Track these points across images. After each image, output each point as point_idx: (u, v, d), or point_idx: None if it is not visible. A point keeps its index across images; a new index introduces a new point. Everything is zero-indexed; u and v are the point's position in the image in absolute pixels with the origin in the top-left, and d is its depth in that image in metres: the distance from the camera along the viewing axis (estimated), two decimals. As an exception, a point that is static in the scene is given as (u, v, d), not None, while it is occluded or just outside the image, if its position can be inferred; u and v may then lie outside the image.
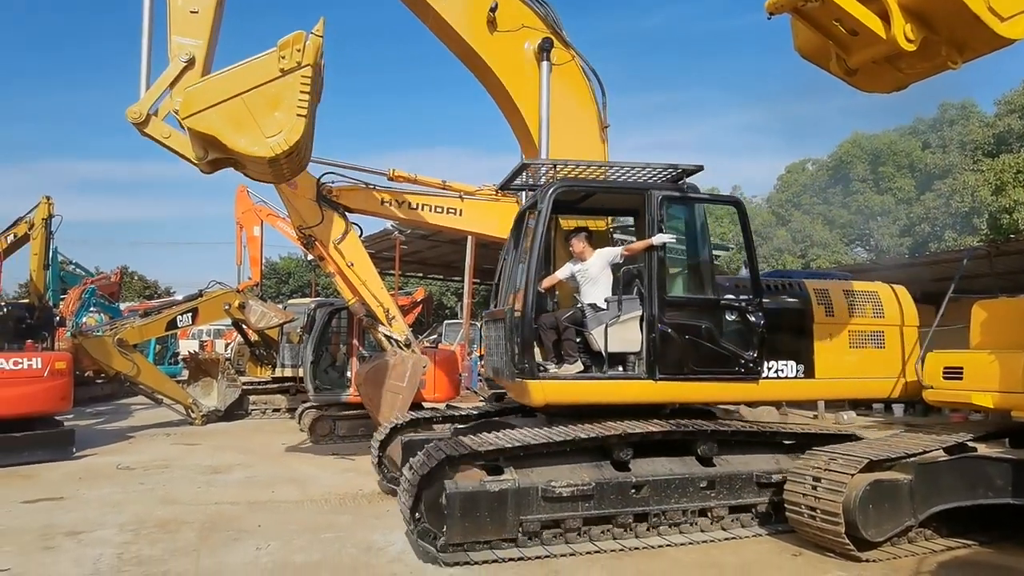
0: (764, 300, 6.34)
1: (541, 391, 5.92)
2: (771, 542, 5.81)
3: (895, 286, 7.40)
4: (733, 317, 6.26)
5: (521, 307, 5.97)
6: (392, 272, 19.53)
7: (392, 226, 18.41)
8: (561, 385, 6.00)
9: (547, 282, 6.46)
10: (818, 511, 5.22)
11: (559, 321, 6.25)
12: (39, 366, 10.39)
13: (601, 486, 5.49)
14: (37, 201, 14.78)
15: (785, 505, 5.57)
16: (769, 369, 6.36)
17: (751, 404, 7.40)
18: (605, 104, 8.34)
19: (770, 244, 25.17)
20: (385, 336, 10.40)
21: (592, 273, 6.39)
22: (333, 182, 10.56)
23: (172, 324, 14.17)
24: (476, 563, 5.08)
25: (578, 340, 6.21)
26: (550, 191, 6.16)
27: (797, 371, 6.52)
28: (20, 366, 10.23)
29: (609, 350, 6.08)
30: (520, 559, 5.20)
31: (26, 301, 15.37)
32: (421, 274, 29.89)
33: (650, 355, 6.01)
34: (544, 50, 7.92)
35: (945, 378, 6.10)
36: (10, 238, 14.66)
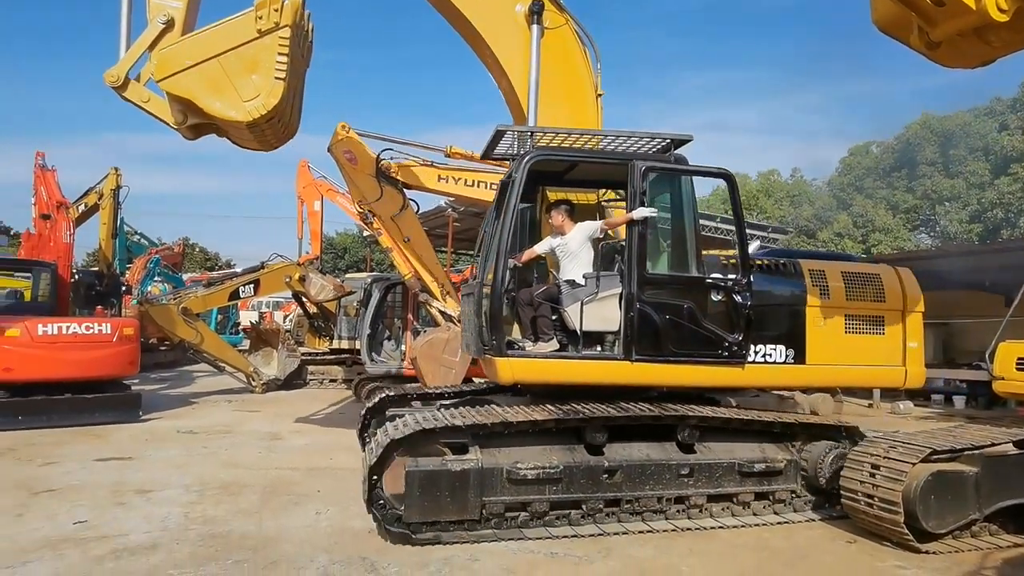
0: (754, 280, 6.01)
1: (509, 369, 5.66)
2: (823, 528, 5.71)
3: (900, 268, 6.95)
4: (718, 297, 5.93)
5: (492, 282, 5.73)
6: (445, 249, 19.66)
7: (445, 203, 18.52)
8: (530, 363, 5.70)
9: (525, 256, 6.25)
10: (876, 499, 5.09)
11: (534, 298, 6.02)
12: (109, 331, 10.88)
13: (570, 469, 5.28)
14: (106, 172, 15.42)
15: (841, 492, 5.45)
16: (756, 353, 6.03)
17: (735, 390, 6.96)
18: (599, 72, 8.00)
19: (830, 228, 24.38)
20: (439, 311, 10.54)
21: (571, 248, 6.11)
22: (392, 158, 10.71)
23: (235, 295, 14.63)
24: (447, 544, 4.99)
25: (554, 317, 5.95)
26: (525, 160, 5.84)
27: (787, 356, 6.18)
28: (91, 331, 10.73)
29: (584, 328, 5.77)
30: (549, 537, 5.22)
31: (95, 269, 16.10)
32: (473, 252, 30.02)
33: (627, 335, 5.71)
34: (534, 12, 7.53)
35: (1018, 369, 5.84)
36: (81, 208, 15.34)
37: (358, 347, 16.45)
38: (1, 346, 9.98)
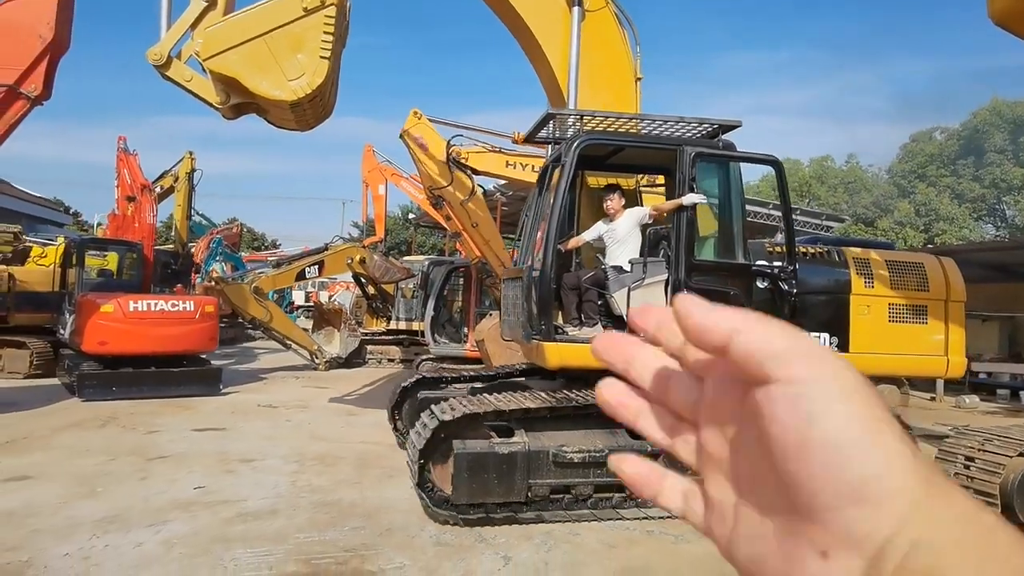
0: (799, 268, 5.99)
1: (557, 354, 5.70)
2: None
3: (943, 259, 6.91)
4: (764, 284, 5.93)
5: (540, 266, 5.72)
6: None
7: (495, 187, 18.70)
8: (577, 348, 5.73)
9: (573, 243, 6.26)
10: (972, 491, 5.14)
11: (581, 282, 6.01)
12: (192, 308, 11.43)
13: (614, 452, 5.40)
14: (181, 156, 16.01)
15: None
16: None
17: None
18: (639, 55, 7.91)
19: (891, 217, 23.85)
20: (507, 295, 10.74)
21: (619, 234, 6.11)
22: (462, 144, 10.92)
23: (301, 275, 15.08)
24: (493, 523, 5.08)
25: (599, 303, 5.98)
26: (575, 144, 5.80)
27: (831, 344, 6.14)
28: (177, 308, 11.28)
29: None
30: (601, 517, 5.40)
31: (170, 248, 16.77)
32: (514, 236, 30.13)
33: None
34: None
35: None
36: (157, 190, 15.97)
37: (415, 328, 16.92)
38: (97, 321, 10.58)
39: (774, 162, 6.17)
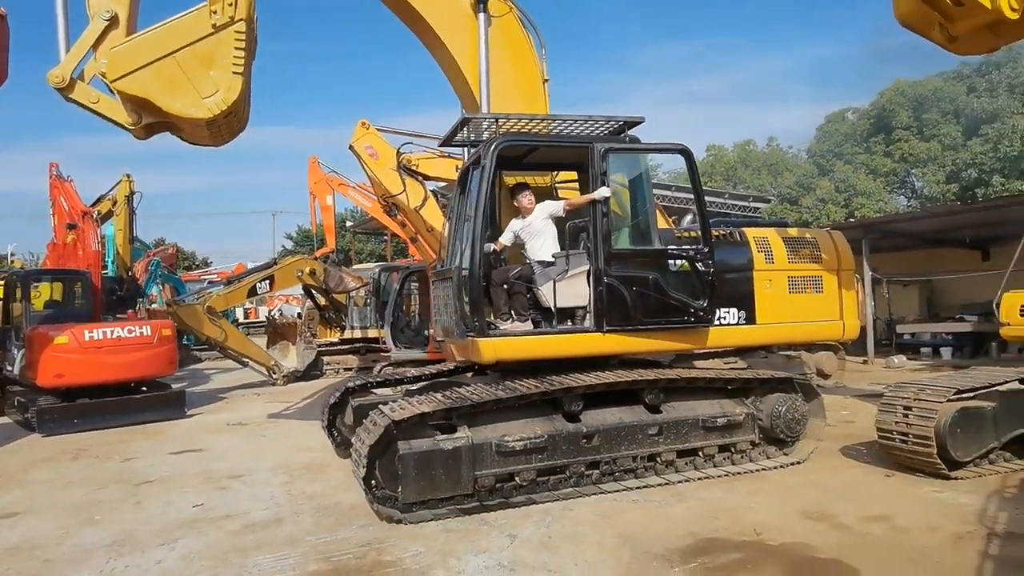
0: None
1: (492, 348, 5.87)
2: (861, 467, 6.45)
3: (832, 232, 7.56)
4: (677, 266, 6.26)
5: (469, 265, 5.92)
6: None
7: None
8: (512, 342, 5.97)
9: (499, 245, 6.52)
10: (910, 436, 5.82)
11: (508, 278, 6.23)
12: (149, 333, 11.30)
13: (553, 437, 5.62)
14: (119, 179, 15.64)
15: (877, 432, 6.18)
16: (713, 316, 6.41)
17: (698, 354, 7.25)
18: (545, 58, 8.12)
19: (812, 195, 25.26)
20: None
21: (536, 227, 6.41)
22: (411, 151, 11.16)
23: (253, 291, 15.04)
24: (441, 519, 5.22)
25: (528, 296, 6.22)
26: (493, 146, 6.03)
27: (739, 318, 6.65)
28: (134, 334, 11.14)
29: (558, 305, 6.11)
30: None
31: (113, 275, 16.32)
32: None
33: (598, 308, 6.04)
34: (480, 1, 7.60)
35: (1022, 315, 6.58)
36: (95, 215, 15.54)
37: (371, 335, 17.03)
38: (51, 353, 10.36)
39: (682, 150, 6.50)
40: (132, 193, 15.46)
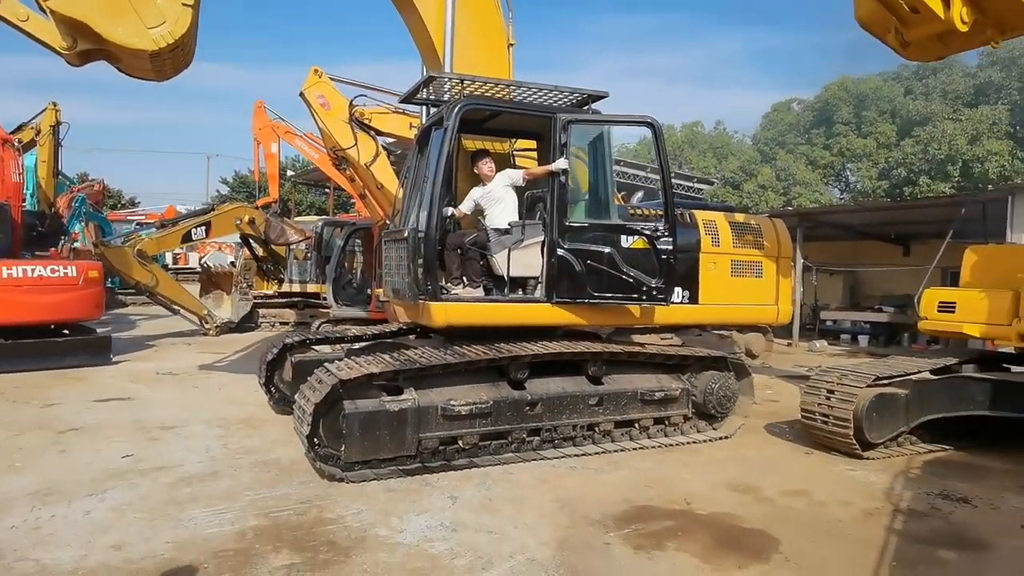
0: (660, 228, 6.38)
1: (443, 313, 5.89)
2: (783, 444, 6.83)
3: (776, 220, 7.92)
4: (634, 244, 6.26)
5: (425, 228, 5.89)
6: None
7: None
8: (462, 307, 5.99)
9: (459, 212, 6.53)
10: (831, 417, 6.18)
11: (463, 243, 6.21)
12: (75, 274, 10.77)
13: (498, 403, 5.72)
14: (43, 106, 14.60)
15: (801, 412, 6.54)
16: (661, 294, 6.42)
17: (644, 329, 7.44)
18: (511, 21, 8.06)
19: (754, 181, 26.02)
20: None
21: (496, 194, 6.44)
22: (365, 105, 10.88)
23: (187, 237, 14.47)
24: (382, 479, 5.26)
25: (480, 263, 6.24)
26: (456, 108, 5.96)
27: (683, 297, 6.84)
28: (57, 274, 10.60)
29: (511, 274, 6.16)
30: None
31: (35, 210, 15.38)
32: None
33: (549, 279, 6.09)
34: None
35: (939, 311, 7.04)
36: (16, 144, 14.54)
37: (310, 290, 16.73)
38: (-35, 290, 9.75)
39: (649, 123, 6.34)
40: (58, 123, 14.46)
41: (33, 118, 14.63)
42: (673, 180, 23.34)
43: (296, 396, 5.59)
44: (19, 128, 14.67)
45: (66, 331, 11.08)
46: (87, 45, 5.45)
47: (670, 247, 6.38)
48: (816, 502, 5.09)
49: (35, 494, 4.88)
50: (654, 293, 6.28)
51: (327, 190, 31.78)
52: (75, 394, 8.46)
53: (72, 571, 3.71)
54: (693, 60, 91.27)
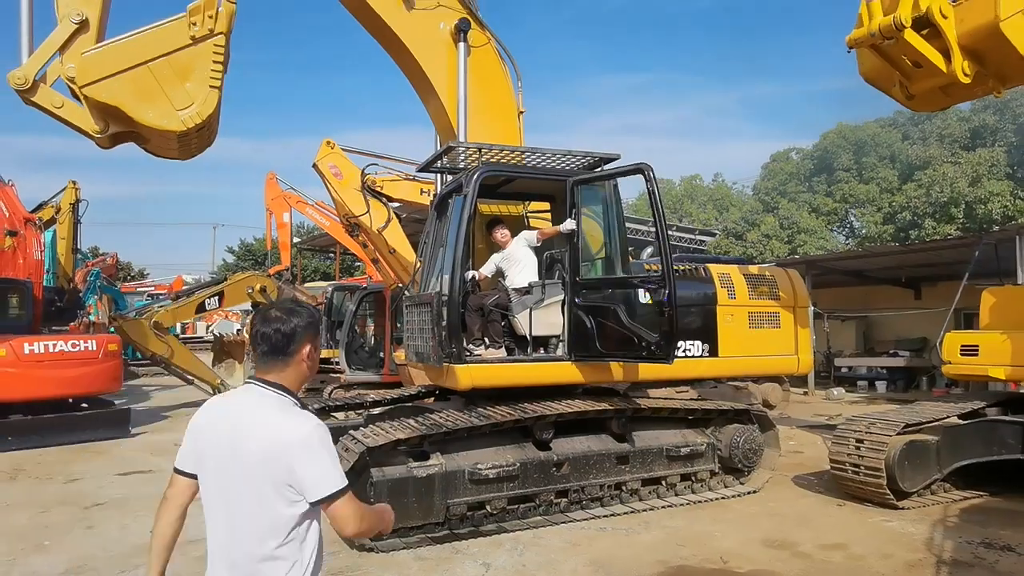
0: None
1: (468, 375, 5.85)
2: (814, 496, 6.72)
3: (789, 271, 7.99)
4: (645, 297, 6.21)
5: (448, 291, 5.95)
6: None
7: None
8: (487, 368, 5.97)
9: (480, 276, 6.61)
10: (862, 467, 6.11)
11: (484, 305, 6.25)
12: (94, 348, 10.88)
13: (525, 465, 5.71)
14: (63, 185, 15.03)
15: (830, 463, 6.46)
16: (678, 349, 6.30)
17: (661, 383, 7.38)
18: (520, 89, 8.21)
19: (758, 230, 26.23)
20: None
21: (515, 256, 6.54)
22: (376, 173, 11.17)
23: (201, 307, 14.66)
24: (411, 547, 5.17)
25: (502, 324, 6.26)
26: (475, 176, 6.12)
27: (703, 350, 6.85)
28: (78, 348, 10.70)
29: (534, 334, 6.23)
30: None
31: (54, 286, 15.63)
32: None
33: (569, 336, 6.19)
34: (461, 31, 7.63)
35: (962, 355, 7.02)
36: (37, 223, 14.88)
37: (322, 355, 16.75)
38: (-14, 367, 9.84)
39: (640, 169, 6.14)
40: (77, 201, 14.86)
41: (53, 197, 15.05)
42: (675, 233, 23.53)
43: None
44: (40, 207, 15.07)
45: (85, 404, 11.11)
46: (118, 128, 5.77)
47: (665, 296, 5.99)
48: (855, 555, 5.00)
49: (65, 573, 4.86)
50: (653, 350, 5.85)
51: (331, 255, 32.20)
52: (97, 468, 8.43)
53: (108, 653, 3.66)
54: (684, 115, 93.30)
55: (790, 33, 75.40)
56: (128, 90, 5.46)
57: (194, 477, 2.14)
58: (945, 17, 4.79)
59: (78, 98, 5.64)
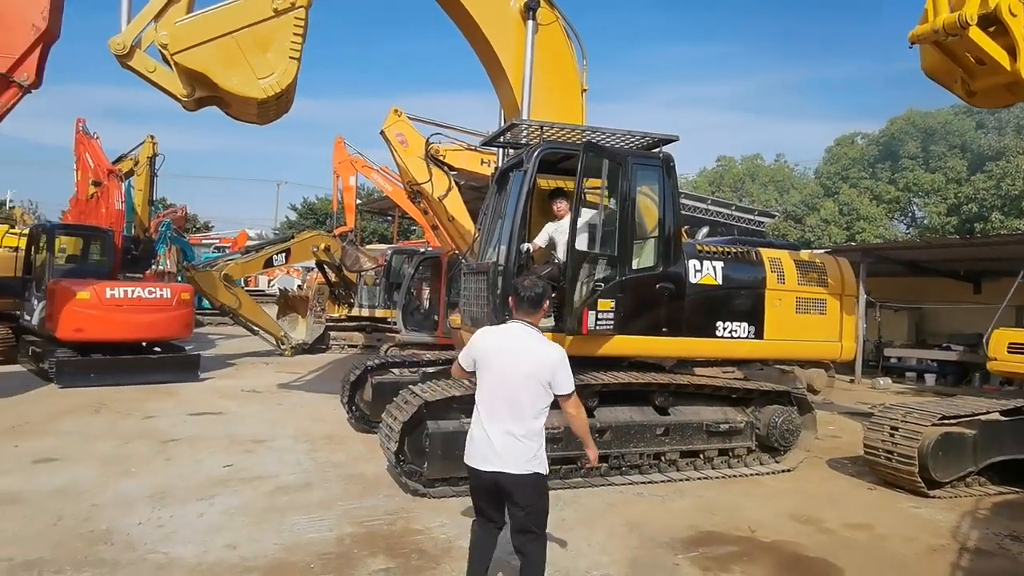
0: (725, 266, 6.90)
1: None
2: (845, 479, 6.91)
3: (839, 259, 8.02)
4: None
5: (505, 262, 6.23)
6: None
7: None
8: None
9: (534, 246, 6.74)
10: (895, 454, 6.27)
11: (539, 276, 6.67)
12: (169, 296, 11.64)
13: (569, 430, 5.35)
14: (142, 139, 15.88)
15: (864, 448, 6.63)
16: (724, 329, 6.88)
17: (707, 362, 7.58)
18: (585, 68, 8.31)
19: (816, 215, 25.73)
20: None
21: (568, 227, 6.51)
22: (440, 142, 11.51)
23: (269, 263, 15.38)
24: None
25: (553, 295, 6.52)
26: (536, 152, 6.36)
27: (749, 332, 7.05)
28: (154, 295, 11.47)
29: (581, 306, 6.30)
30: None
31: (130, 235, 16.60)
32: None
33: (616, 311, 6.33)
34: (531, 9, 7.80)
35: (1009, 352, 7.04)
36: (118, 174, 15.77)
37: (378, 314, 17.42)
38: (73, 308, 10.67)
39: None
40: (155, 155, 15.71)
41: (132, 150, 15.95)
42: (734, 212, 23.30)
43: (383, 415, 6.05)
44: (119, 159, 15.96)
45: (157, 348, 11.93)
46: (203, 93, 6.23)
47: (670, 285, 6.55)
48: (879, 535, 5.22)
49: (152, 496, 5.44)
50: (663, 329, 6.44)
51: (389, 218, 32.89)
52: (170, 408, 9.16)
53: (196, 565, 4.20)
54: (747, 90, 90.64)
55: (866, 9, 72.16)
56: (215, 58, 5.89)
57: (473, 373, 3.58)
58: (1015, 15, 4.81)
59: (169, 63, 6.11)
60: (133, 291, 11.30)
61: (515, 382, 3.36)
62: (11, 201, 40.48)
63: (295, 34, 6.07)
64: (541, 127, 6.82)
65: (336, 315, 17.64)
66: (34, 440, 7.09)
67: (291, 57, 6.07)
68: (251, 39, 5.94)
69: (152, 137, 15.76)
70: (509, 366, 3.38)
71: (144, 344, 11.72)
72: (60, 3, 8.61)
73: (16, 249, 14.08)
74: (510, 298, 4.15)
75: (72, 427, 7.80)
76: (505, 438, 3.34)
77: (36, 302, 11.66)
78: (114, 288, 11.11)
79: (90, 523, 4.82)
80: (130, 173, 15.86)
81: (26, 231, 15.90)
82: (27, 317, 12.04)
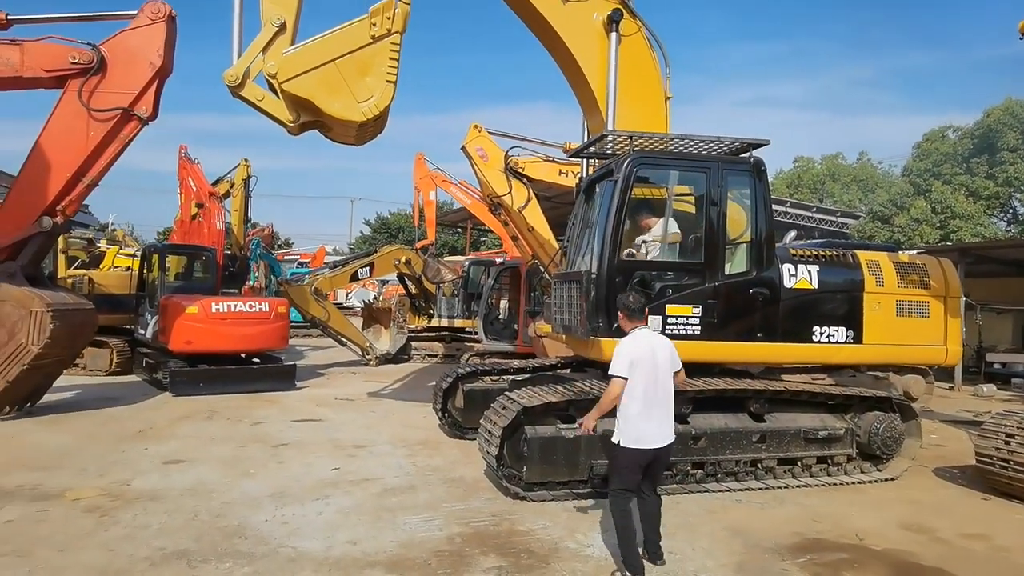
0: (820, 270, 6.87)
1: (612, 348, 6.25)
2: (955, 488, 6.66)
3: (942, 259, 7.73)
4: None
5: (598, 270, 6.30)
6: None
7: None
8: None
9: (626, 255, 6.68)
10: (1011, 463, 6.02)
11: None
12: (267, 309, 12.30)
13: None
14: (236, 163, 16.85)
15: (976, 457, 6.39)
16: (821, 334, 6.80)
17: (800, 368, 7.56)
18: (668, 76, 8.35)
19: (907, 214, 24.58)
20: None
21: (656, 237, 6.72)
22: (519, 155, 11.78)
23: (355, 276, 16.01)
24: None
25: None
26: (627, 163, 6.41)
27: (847, 337, 6.93)
28: (254, 309, 12.16)
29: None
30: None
31: (228, 252, 17.62)
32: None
33: (706, 318, 6.40)
34: (613, 21, 7.84)
35: None
36: (218, 196, 16.79)
37: (457, 325, 17.83)
38: (183, 322, 11.44)
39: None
40: (249, 176, 16.63)
41: (228, 172, 16.92)
42: (815, 215, 22.67)
43: (481, 421, 6.26)
44: (216, 182, 16.97)
45: (256, 360, 12.63)
46: (308, 118, 6.63)
47: (761, 290, 6.56)
48: (998, 547, 5.04)
49: (273, 496, 5.83)
50: (758, 335, 6.54)
51: (460, 230, 33.50)
52: (274, 414, 9.70)
53: (324, 559, 4.50)
54: (823, 86, 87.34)
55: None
56: (319, 85, 6.28)
57: (626, 379, 4.39)
58: None
59: (276, 92, 6.54)
60: (235, 305, 12.03)
61: (665, 369, 4.47)
62: (113, 224, 43.51)
63: (391, 59, 6.41)
64: (631, 137, 6.93)
65: (415, 326, 18.14)
66: (160, 443, 7.67)
67: (388, 80, 6.42)
68: (351, 65, 6.31)
69: (246, 160, 16.71)
70: (662, 360, 4.47)
71: (243, 355, 12.46)
72: (173, 40, 9.33)
73: (128, 268, 15.24)
74: (620, 312, 4.73)
75: (190, 431, 8.39)
76: (668, 417, 4.48)
77: (149, 317, 12.56)
78: (219, 303, 11.85)
79: (223, 519, 5.22)
80: (226, 195, 16.84)
81: (130, 251, 17.23)
82: (141, 331, 12.96)
